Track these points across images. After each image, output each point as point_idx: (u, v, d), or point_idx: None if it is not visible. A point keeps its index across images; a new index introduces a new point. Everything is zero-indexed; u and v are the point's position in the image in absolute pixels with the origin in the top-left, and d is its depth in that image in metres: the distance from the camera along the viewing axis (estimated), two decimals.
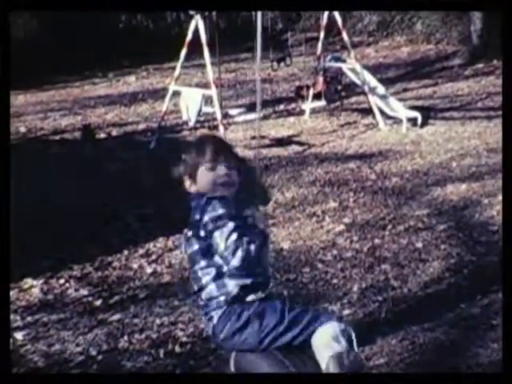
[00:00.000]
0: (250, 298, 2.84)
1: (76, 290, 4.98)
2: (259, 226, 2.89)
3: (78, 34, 15.63)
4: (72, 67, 14.79)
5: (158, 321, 4.47)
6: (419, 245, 5.48)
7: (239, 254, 2.72)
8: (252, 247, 2.74)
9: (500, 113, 9.98)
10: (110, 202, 6.81)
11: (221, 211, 2.80)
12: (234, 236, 2.73)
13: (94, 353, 4.12)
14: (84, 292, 4.94)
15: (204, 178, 2.94)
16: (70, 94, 13.67)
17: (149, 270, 5.29)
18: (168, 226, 6.13)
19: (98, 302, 4.77)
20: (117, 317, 4.55)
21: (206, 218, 2.80)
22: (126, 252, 5.64)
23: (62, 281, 5.12)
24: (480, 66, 13.97)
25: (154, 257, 5.55)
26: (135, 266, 5.39)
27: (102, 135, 9.95)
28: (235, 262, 2.74)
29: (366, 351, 3.94)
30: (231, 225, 2.76)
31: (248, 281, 2.83)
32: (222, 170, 2.93)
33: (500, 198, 6.37)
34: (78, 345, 4.21)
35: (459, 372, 3.33)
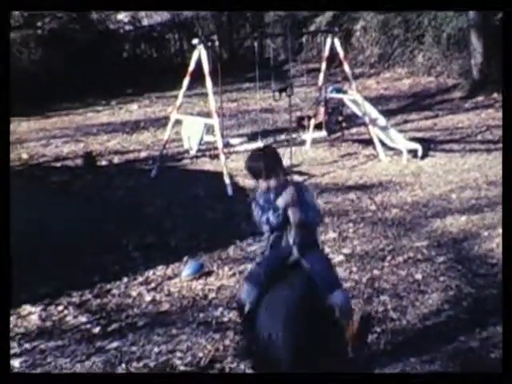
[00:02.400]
0: None
1: (75, 317, 4.97)
2: None
3: (82, 61, 15.78)
4: (75, 95, 14.91)
5: (156, 349, 4.46)
6: (418, 276, 5.47)
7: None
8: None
9: (500, 145, 10.06)
10: (111, 229, 6.83)
11: None
12: None
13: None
14: (82, 319, 4.94)
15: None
16: (72, 121, 13.76)
17: (148, 298, 5.29)
18: (167, 255, 6.15)
19: (97, 330, 4.76)
20: (115, 344, 4.54)
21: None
22: (125, 279, 5.64)
23: (60, 308, 5.12)
24: (480, 98, 14.07)
25: (153, 285, 5.55)
26: (134, 293, 5.39)
27: (104, 162, 10.00)
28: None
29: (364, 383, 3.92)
30: None
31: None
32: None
33: (499, 230, 6.39)
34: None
35: (459, 372, 3.30)
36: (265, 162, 3.79)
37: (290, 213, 3.78)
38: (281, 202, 3.77)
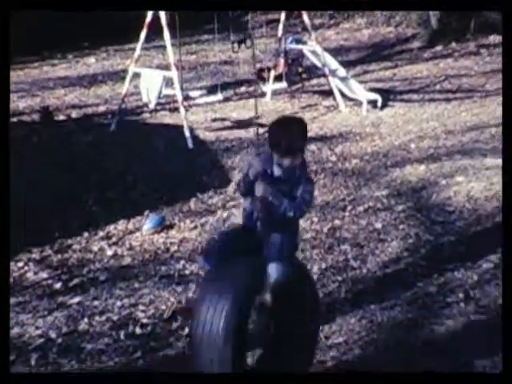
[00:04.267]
0: None
1: (35, 273, 4.93)
2: None
3: (37, 14, 15.35)
4: (30, 48, 14.54)
5: (118, 303, 4.47)
6: (378, 225, 5.55)
7: None
8: None
9: (459, 95, 10.16)
10: (70, 184, 6.75)
11: None
12: None
13: (53, 335, 4.09)
14: (43, 275, 4.90)
15: None
16: (27, 75, 13.45)
17: (109, 253, 5.27)
18: (128, 209, 6.11)
19: (58, 285, 4.74)
20: (77, 299, 4.53)
21: None
22: (86, 235, 5.60)
23: (20, 264, 5.07)
24: (439, 48, 14.13)
25: (114, 239, 5.53)
26: (95, 248, 5.37)
27: (62, 117, 9.83)
28: None
29: (325, 330, 3.99)
30: None
31: None
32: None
33: (457, 179, 6.50)
34: (37, 328, 4.19)
35: (459, 372, 3.38)
36: (303, 138, 3.48)
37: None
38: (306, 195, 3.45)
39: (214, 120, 9.09)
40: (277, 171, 3.45)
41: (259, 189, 3.44)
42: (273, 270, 3.36)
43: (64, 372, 3.65)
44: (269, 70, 10.25)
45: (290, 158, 3.39)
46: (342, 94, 9.70)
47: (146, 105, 9.32)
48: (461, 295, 4.34)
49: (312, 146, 7.85)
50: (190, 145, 8.09)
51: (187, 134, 8.16)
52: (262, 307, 3.41)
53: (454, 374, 3.35)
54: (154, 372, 3.68)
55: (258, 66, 11.34)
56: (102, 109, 10.36)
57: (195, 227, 5.70)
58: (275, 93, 10.45)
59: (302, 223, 5.57)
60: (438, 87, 11.03)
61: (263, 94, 10.42)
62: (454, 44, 14.19)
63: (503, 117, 3.56)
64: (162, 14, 8.35)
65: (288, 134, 3.41)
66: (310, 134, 8.72)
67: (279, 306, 3.43)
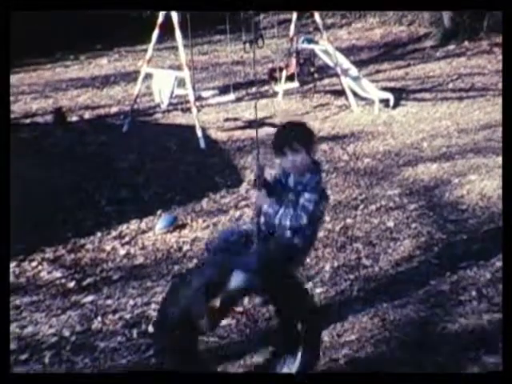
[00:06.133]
0: None
1: (49, 273, 4.96)
2: None
3: (50, 15, 15.43)
4: (43, 49, 14.63)
5: (131, 302, 4.48)
6: (390, 224, 5.54)
7: None
8: None
9: (471, 94, 10.12)
10: (83, 185, 6.79)
11: None
12: None
13: (67, 334, 4.12)
14: (57, 274, 4.93)
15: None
16: (40, 77, 13.53)
17: (122, 252, 5.29)
18: (141, 209, 6.14)
19: (71, 284, 4.76)
20: (90, 298, 4.55)
21: None
22: (99, 234, 5.63)
23: (34, 263, 5.10)
24: (451, 47, 14.08)
25: (127, 239, 5.55)
26: (108, 248, 5.39)
27: (74, 118, 9.88)
28: None
29: (337, 328, 3.99)
30: None
31: None
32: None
33: (470, 177, 6.48)
34: (51, 326, 4.21)
35: (459, 372, 3.38)
36: (296, 139, 3.52)
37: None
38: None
39: (226, 120, 9.11)
40: (290, 180, 3.53)
41: (255, 197, 3.52)
42: (233, 279, 3.19)
43: (66, 373, 3.63)
44: (280, 70, 10.25)
45: (281, 157, 3.49)
46: (354, 94, 9.69)
47: (158, 105, 9.35)
48: (473, 293, 4.32)
49: (324, 146, 7.85)
50: (202, 145, 8.11)
51: (199, 134, 8.18)
52: (210, 310, 3.24)
53: (455, 375, 3.34)
54: (166, 370, 3.69)
55: (270, 66, 11.37)
56: (114, 109, 10.41)
57: (207, 226, 5.71)
58: (287, 93, 10.45)
59: None
60: (450, 86, 10.99)
61: (275, 94, 10.43)
62: (466, 43, 14.14)
63: (503, 117, 3.54)
64: (174, 15, 8.37)
65: (276, 135, 3.57)
66: (322, 134, 8.76)
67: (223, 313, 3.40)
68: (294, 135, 3.54)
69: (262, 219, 3.54)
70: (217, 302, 3.22)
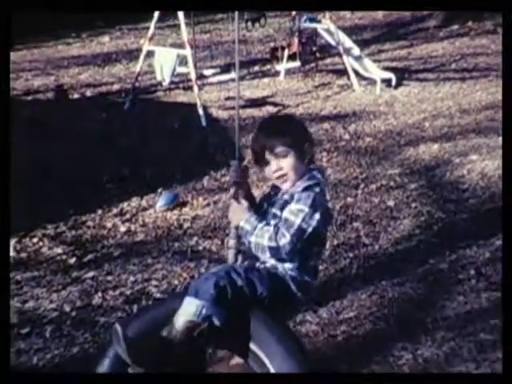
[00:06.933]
0: None
1: (50, 249, 4.98)
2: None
3: None
4: (44, 27, 14.56)
5: (131, 278, 4.51)
6: (391, 203, 5.55)
7: None
8: None
9: (474, 74, 10.08)
10: (84, 162, 6.79)
11: None
12: None
13: (67, 309, 4.15)
14: (58, 250, 4.95)
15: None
16: (42, 54, 13.48)
17: (123, 229, 5.31)
18: (142, 186, 6.15)
19: (72, 260, 4.79)
20: (91, 274, 4.58)
21: None
22: (99, 211, 5.65)
23: (35, 240, 5.12)
24: (454, 27, 14.00)
25: (127, 216, 5.57)
26: (109, 224, 5.41)
27: (76, 96, 9.86)
28: None
29: (336, 305, 4.02)
30: None
31: None
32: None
33: (471, 157, 6.47)
34: (51, 301, 4.24)
35: (459, 372, 3.41)
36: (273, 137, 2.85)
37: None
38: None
39: (228, 98, 9.09)
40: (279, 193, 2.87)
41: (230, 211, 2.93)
42: (183, 303, 2.66)
43: (63, 373, 3.64)
44: (282, 49, 10.21)
45: (263, 167, 2.84)
46: (356, 73, 9.65)
47: (159, 83, 9.32)
48: (472, 272, 4.35)
49: (325, 125, 7.84)
50: (204, 123, 8.10)
51: (201, 112, 8.17)
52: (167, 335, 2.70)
53: (454, 374, 3.36)
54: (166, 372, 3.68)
55: (272, 44, 11.32)
56: (116, 87, 10.38)
57: (208, 204, 5.73)
58: (289, 72, 10.41)
59: None
60: (453, 66, 10.94)
61: (277, 73, 10.40)
62: (470, 23, 14.05)
63: (503, 98, 3.53)
64: None
65: (254, 138, 2.95)
66: (323, 113, 8.73)
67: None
68: (278, 135, 2.80)
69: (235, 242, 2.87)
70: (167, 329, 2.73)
